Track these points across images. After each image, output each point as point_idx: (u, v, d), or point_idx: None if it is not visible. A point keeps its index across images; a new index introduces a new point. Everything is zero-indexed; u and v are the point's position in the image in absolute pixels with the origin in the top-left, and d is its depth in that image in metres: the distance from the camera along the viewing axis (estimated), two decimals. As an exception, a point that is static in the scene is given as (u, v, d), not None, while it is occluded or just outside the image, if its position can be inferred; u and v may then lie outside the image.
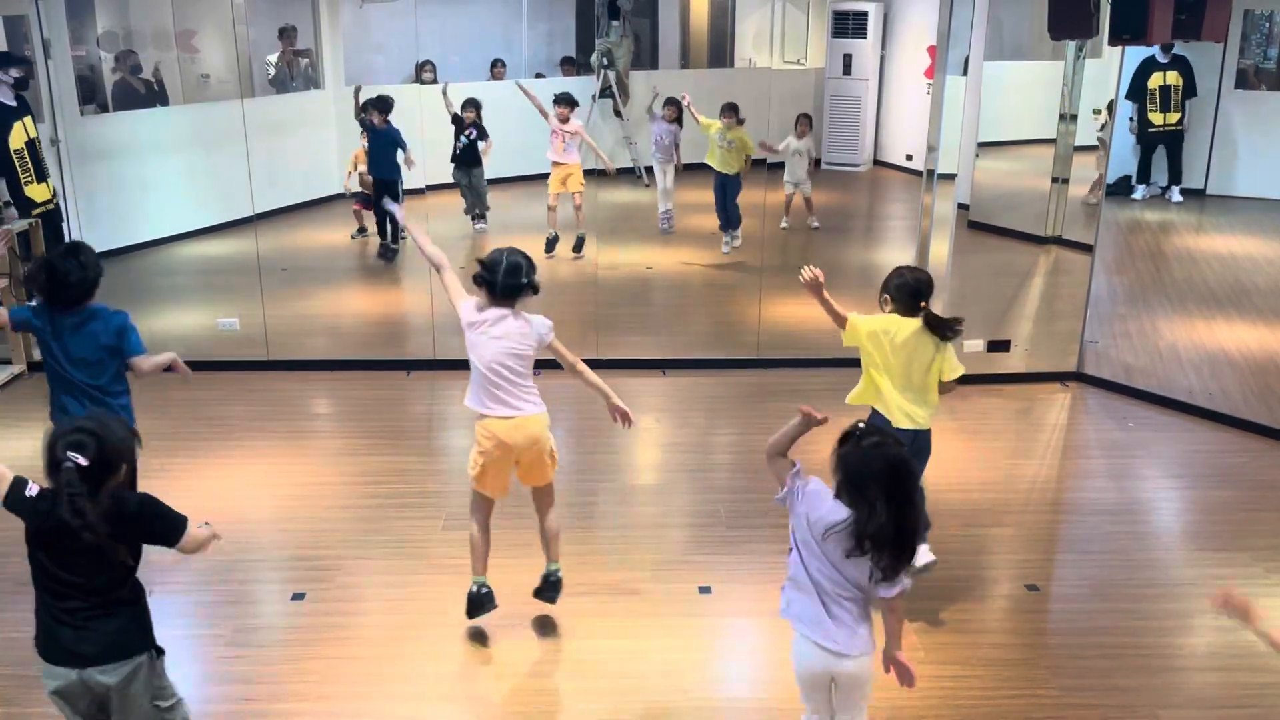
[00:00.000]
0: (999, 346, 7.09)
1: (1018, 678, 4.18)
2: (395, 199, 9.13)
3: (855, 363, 7.22)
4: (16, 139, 7.37)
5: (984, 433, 6.39)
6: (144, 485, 5.34)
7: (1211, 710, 4.01)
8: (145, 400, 6.45)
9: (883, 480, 3.02)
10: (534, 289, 4.13)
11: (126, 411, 4.39)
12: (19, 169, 7.38)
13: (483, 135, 9.94)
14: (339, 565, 4.85)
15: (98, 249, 4.40)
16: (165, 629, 4.44)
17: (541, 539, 4.42)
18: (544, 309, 4.32)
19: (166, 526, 3.14)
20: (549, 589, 4.42)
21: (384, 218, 9.40)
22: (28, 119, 7.51)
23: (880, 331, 4.35)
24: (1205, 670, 4.28)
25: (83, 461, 2.79)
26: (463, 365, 7.15)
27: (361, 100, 9.48)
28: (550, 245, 9.45)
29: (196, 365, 6.97)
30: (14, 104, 7.43)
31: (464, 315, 4.17)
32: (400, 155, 9.14)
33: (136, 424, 4.40)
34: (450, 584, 4.70)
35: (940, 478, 5.83)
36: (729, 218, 9.57)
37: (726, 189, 9.47)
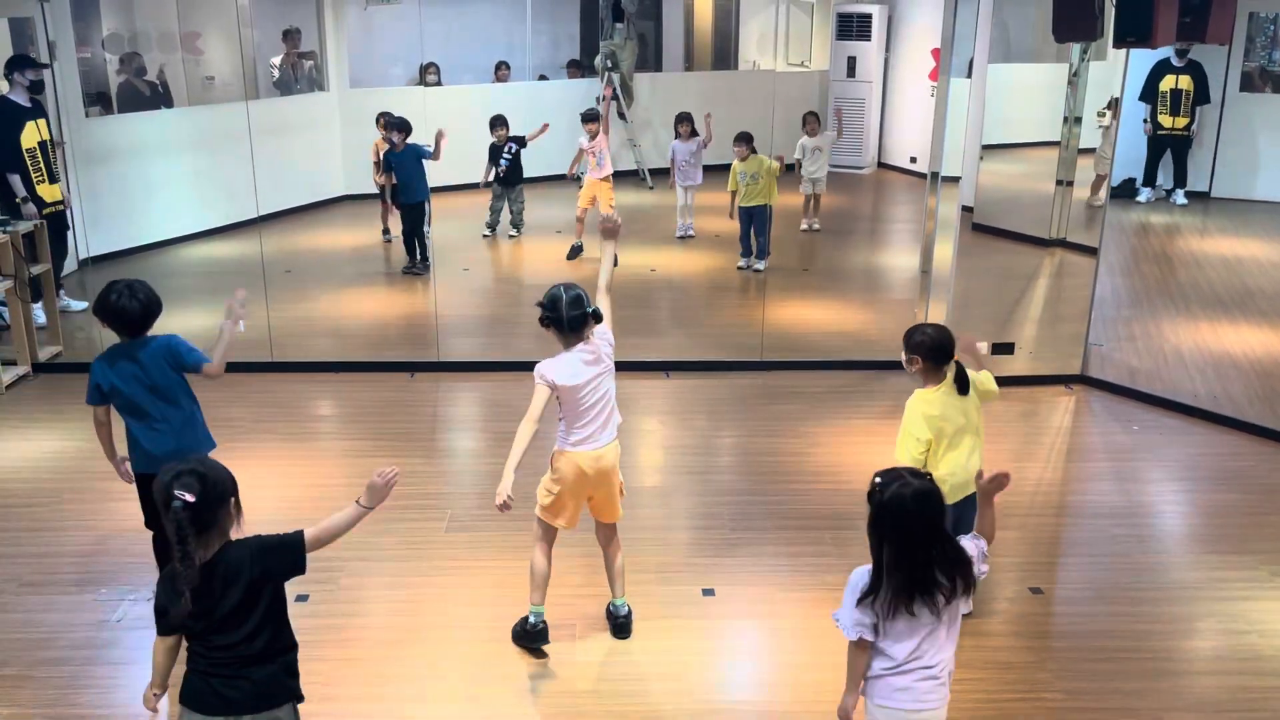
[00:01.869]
0: (1003, 349, 7.09)
1: (1021, 680, 4.17)
2: (425, 222, 9.14)
3: (857, 365, 7.22)
4: (29, 139, 7.55)
5: (988, 435, 6.33)
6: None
7: (1216, 714, 4.00)
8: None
9: (889, 518, 2.93)
10: (597, 318, 4.06)
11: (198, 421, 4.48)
12: (30, 168, 7.55)
13: (522, 144, 9.93)
14: (342, 567, 4.85)
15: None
16: (168, 630, 4.46)
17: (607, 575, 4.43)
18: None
19: (286, 553, 3.20)
20: (617, 628, 4.41)
21: (414, 240, 9.20)
22: (41, 121, 7.69)
23: (926, 419, 4.23)
24: (1210, 674, 4.27)
25: (190, 498, 2.89)
26: (465, 367, 7.21)
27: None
28: (574, 253, 9.46)
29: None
30: (28, 105, 7.62)
31: (550, 377, 4.00)
32: (426, 165, 8.96)
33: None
34: (453, 586, 4.71)
35: (944, 480, 5.83)
36: (757, 248, 8.99)
37: (754, 220, 8.93)
